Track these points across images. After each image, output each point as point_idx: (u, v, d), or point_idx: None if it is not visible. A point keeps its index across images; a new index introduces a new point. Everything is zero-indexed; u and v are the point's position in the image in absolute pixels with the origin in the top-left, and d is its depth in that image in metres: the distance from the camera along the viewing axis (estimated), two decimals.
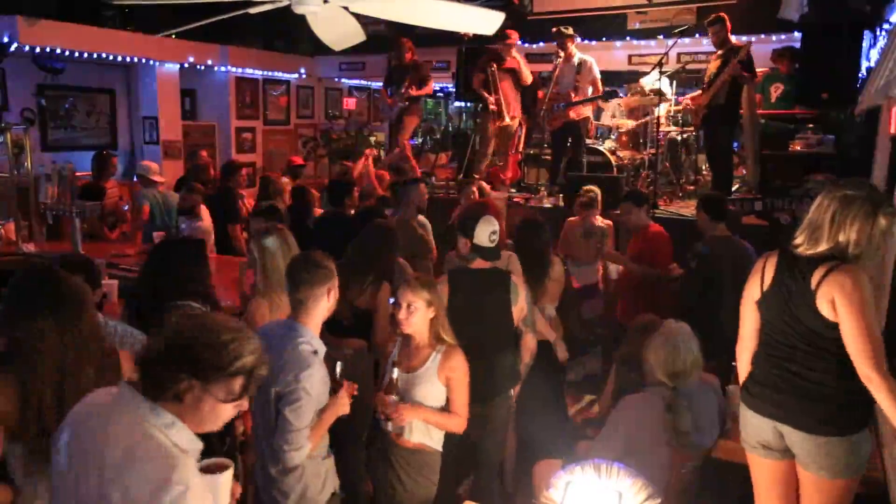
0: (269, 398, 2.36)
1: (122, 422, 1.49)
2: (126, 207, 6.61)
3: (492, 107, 7.48)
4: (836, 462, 2.35)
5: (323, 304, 2.48)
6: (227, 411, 1.55)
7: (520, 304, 3.36)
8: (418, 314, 2.73)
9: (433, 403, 2.76)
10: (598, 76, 7.38)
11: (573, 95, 7.20)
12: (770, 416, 2.46)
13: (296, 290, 2.47)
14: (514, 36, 7.40)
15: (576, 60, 7.25)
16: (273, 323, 2.72)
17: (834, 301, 2.26)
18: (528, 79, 7.59)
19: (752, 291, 2.53)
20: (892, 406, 2.16)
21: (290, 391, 2.31)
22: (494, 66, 7.41)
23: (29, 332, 2.01)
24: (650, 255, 4.71)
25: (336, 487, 2.55)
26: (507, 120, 7.53)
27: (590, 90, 7.30)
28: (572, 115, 7.21)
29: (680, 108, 7.82)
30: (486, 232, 3.29)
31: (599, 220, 5.34)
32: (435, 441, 2.83)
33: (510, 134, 7.82)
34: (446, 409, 2.78)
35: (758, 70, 7.24)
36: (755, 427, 2.52)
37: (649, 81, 7.72)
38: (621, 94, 7.93)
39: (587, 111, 7.45)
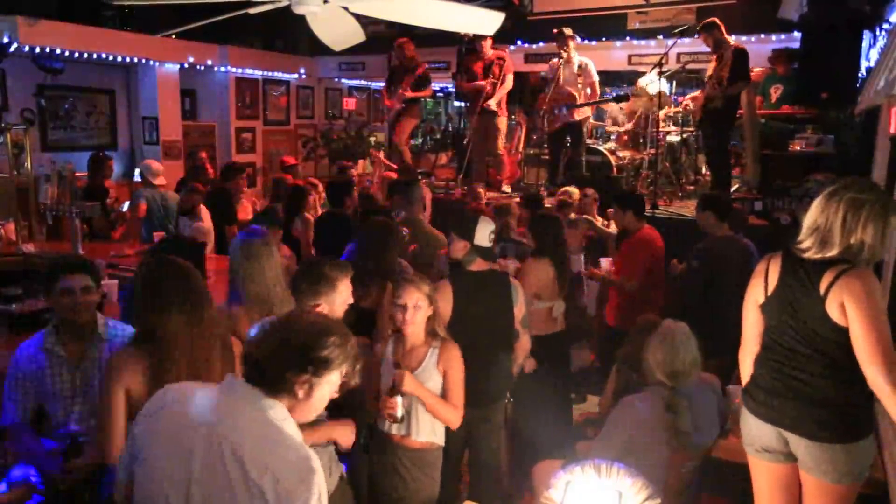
0: None
1: (246, 414, 1.56)
2: (124, 208, 6.61)
3: (487, 90, 7.50)
4: (839, 468, 2.32)
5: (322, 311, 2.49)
6: (328, 396, 1.67)
7: (519, 305, 3.36)
8: (421, 312, 2.74)
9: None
10: (596, 78, 7.39)
11: (576, 97, 7.21)
12: (773, 423, 2.44)
13: (296, 297, 2.57)
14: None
15: (576, 62, 7.26)
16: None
17: (844, 305, 2.21)
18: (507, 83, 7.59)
19: (756, 294, 2.50)
20: None
21: None
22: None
23: (162, 323, 2.16)
24: (624, 261, 4.62)
25: (342, 472, 2.55)
26: (488, 97, 7.49)
27: (587, 91, 7.31)
28: (575, 115, 7.21)
29: (680, 109, 7.82)
30: (486, 232, 3.28)
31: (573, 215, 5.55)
32: (439, 437, 2.83)
33: (493, 124, 7.73)
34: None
35: (755, 70, 7.23)
36: (759, 431, 2.49)
37: (646, 82, 7.72)
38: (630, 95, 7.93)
39: (587, 111, 7.45)
